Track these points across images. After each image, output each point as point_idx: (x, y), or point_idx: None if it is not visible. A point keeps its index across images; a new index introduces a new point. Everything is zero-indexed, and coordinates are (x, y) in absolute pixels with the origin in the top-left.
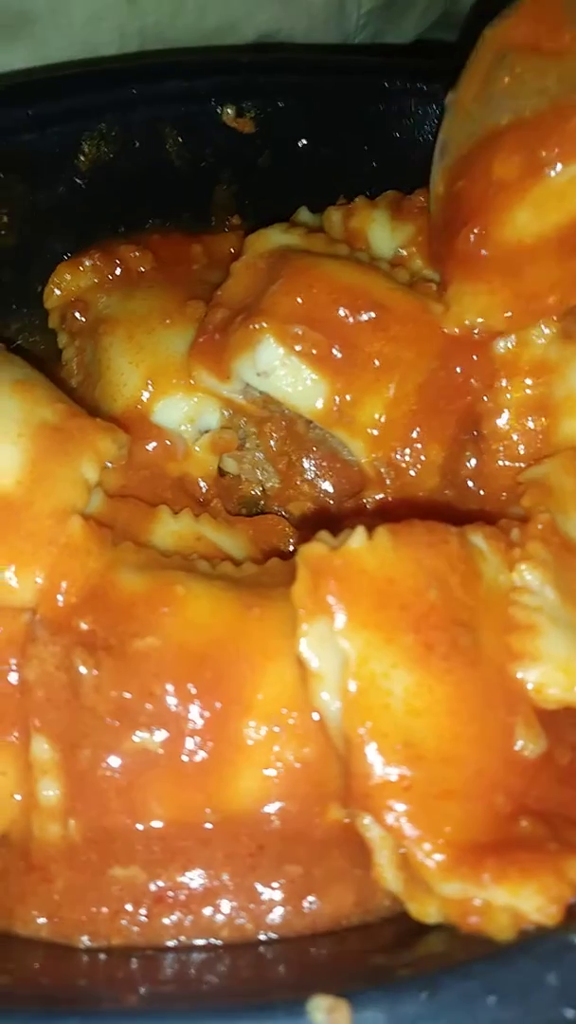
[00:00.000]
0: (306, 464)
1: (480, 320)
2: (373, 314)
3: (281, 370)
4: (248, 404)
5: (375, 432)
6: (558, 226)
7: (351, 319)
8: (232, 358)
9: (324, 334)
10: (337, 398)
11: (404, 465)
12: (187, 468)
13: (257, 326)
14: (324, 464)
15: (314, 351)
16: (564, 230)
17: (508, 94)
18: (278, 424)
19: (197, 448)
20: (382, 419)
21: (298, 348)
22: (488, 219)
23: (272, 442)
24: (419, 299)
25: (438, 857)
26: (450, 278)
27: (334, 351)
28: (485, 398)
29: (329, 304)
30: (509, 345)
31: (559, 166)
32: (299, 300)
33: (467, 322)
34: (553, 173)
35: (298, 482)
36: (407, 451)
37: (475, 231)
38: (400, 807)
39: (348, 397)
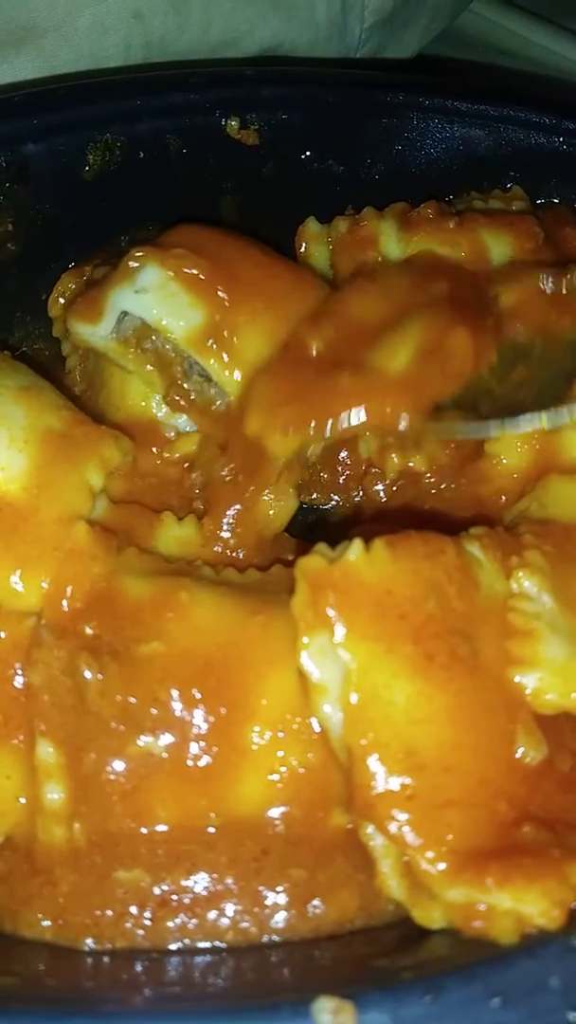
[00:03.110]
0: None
1: None
2: (260, 256)
3: (160, 291)
4: (119, 345)
5: (260, 368)
6: None
7: (238, 254)
8: (110, 289)
9: (207, 259)
10: (215, 326)
11: None
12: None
13: (137, 251)
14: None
15: (195, 272)
16: None
17: None
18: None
19: None
20: (266, 357)
21: (181, 271)
22: None
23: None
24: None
25: (441, 865)
26: None
27: (215, 276)
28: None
29: (218, 240)
30: None
31: None
32: (186, 235)
33: None
34: None
35: None
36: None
37: None
38: (402, 816)
39: (226, 328)
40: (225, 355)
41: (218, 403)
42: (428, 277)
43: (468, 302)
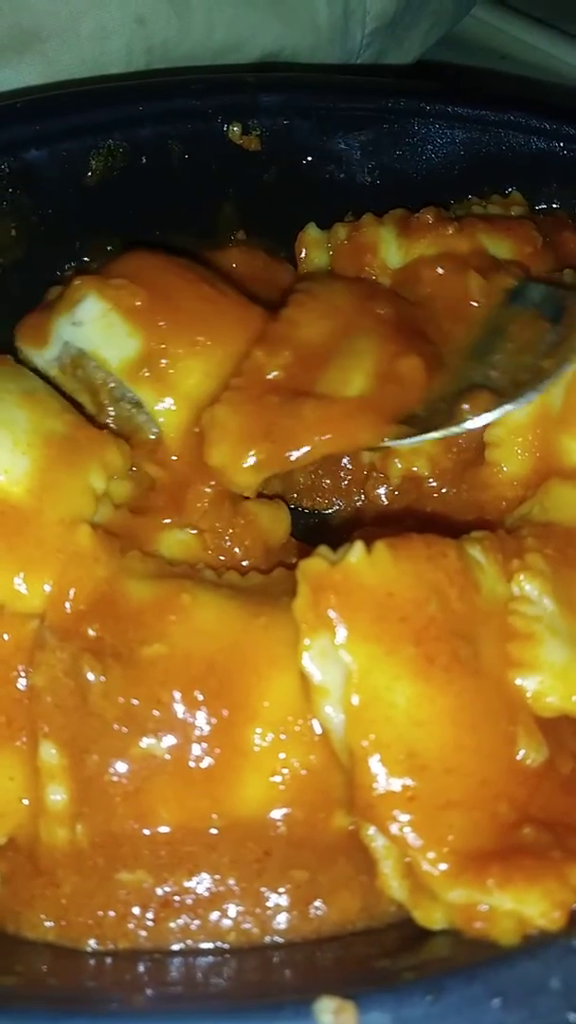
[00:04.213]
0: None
1: None
2: (205, 287)
3: (98, 322)
4: (60, 372)
5: (196, 401)
6: None
7: (183, 285)
8: (54, 318)
9: (146, 290)
10: (151, 355)
11: None
12: None
13: (78, 281)
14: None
15: (135, 303)
16: None
17: None
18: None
19: None
20: (204, 391)
21: (120, 302)
22: None
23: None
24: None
25: (442, 866)
26: None
27: (155, 307)
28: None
29: (163, 270)
30: None
31: None
32: (129, 264)
33: None
34: None
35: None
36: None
37: None
38: (404, 817)
39: (163, 359)
40: (159, 385)
41: (148, 433)
42: (372, 299)
43: (411, 328)
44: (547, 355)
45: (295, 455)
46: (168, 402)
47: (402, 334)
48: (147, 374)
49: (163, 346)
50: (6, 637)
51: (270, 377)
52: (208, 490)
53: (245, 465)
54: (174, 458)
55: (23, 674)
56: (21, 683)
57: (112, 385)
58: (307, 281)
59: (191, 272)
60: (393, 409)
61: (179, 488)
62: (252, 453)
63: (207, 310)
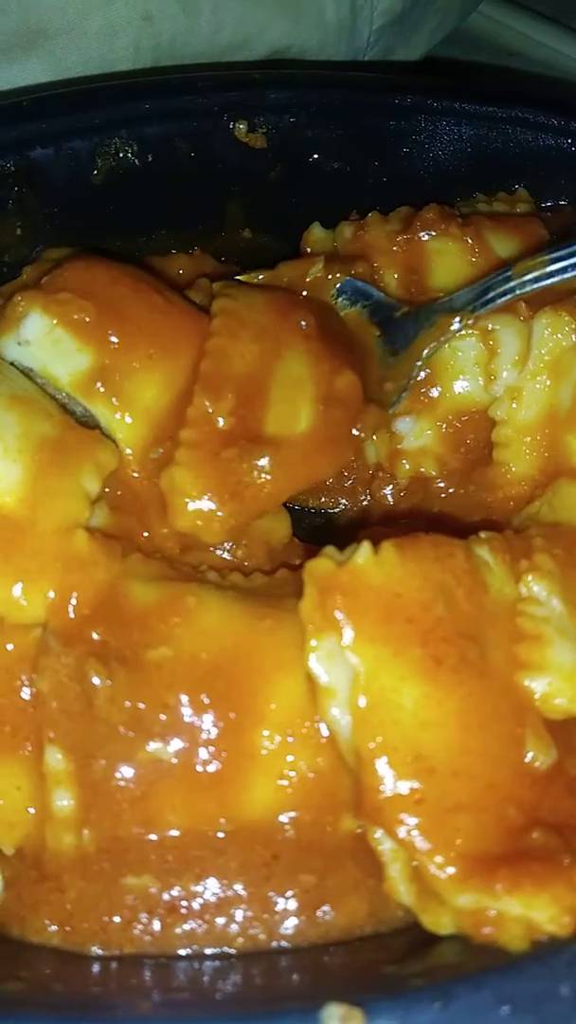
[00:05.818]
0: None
1: None
2: (155, 297)
3: (45, 339)
4: None
5: (154, 415)
6: None
7: (131, 296)
8: None
9: (93, 303)
10: (104, 369)
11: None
12: None
13: (20, 298)
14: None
15: (81, 317)
16: None
17: None
18: None
19: None
20: (162, 404)
21: (66, 317)
22: None
23: None
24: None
25: (450, 870)
26: None
27: (104, 319)
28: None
29: (109, 280)
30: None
31: None
32: (74, 276)
33: None
34: None
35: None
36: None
37: None
38: (412, 820)
39: (116, 372)
40: (114, 399)
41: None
42: (292, 311)
43: (333, 335)
44: (387, 377)
45: (263, 507)
46: (126, 417)
47: (328, 346)
48: (101, 389)
49: (116, 360)
50: (9, 647)
51: (221, 426)
52: (167, 532)
53: (215, 527)
54: (135, 475)
55: (27, 684)
56: (26, 692)
57: (63, 401)
58: (226, 297)
59: (140, 282)
60: (342, 431)
61: (143, 512)
62: (220, 514)
63: (158, 321)
